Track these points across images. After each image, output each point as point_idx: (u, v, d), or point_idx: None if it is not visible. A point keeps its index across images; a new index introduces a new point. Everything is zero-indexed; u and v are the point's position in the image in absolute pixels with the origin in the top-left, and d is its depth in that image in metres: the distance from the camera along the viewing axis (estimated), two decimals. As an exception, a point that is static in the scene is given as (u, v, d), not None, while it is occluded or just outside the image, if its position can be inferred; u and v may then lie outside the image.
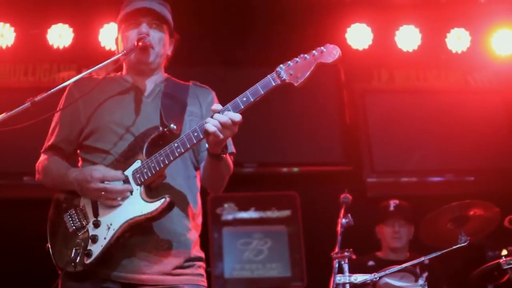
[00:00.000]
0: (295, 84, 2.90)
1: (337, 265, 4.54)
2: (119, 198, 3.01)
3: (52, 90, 3.06)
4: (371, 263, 5.52)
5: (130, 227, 2.97)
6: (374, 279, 4.33)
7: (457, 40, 7.18)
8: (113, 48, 6.64)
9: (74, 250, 3.03)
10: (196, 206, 3.26)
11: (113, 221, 3.00)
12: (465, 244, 4.46)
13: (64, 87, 3.16)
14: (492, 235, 4.95)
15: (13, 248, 6.12)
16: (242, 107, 2.92)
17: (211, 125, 2.87)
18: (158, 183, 3.05)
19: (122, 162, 3.08)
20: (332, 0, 6.97)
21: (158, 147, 3.03)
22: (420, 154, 7.00)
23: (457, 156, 7.09)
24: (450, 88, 7.41)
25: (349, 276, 4.39)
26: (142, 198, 2.99)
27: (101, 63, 3.21)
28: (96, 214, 3.06)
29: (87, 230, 3.05)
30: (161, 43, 3.33)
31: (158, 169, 2.98)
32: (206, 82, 3.55)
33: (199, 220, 3.30)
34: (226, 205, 6.75)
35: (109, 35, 6.60)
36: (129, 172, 3.04)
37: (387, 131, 7.15)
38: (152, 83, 3.38)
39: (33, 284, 6.04)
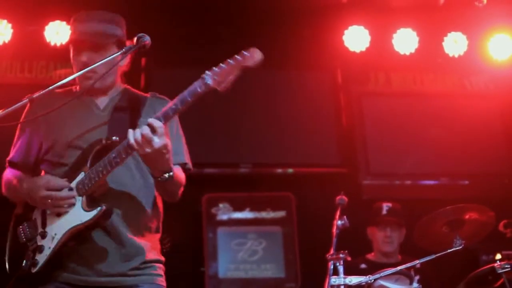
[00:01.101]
0: (218, 89, 2.98)
1: (332, 267, 4.54)
2: (65, 205, 3.09)
3: (50, 88, 3.08)
4: (363, 266, 5.52)
5: (72, 236, 3.07)
6: (369, 281, 4.33)
7: (454, 44, 7.18)
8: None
9: (24, 262, 3.15)
10: (152, 212, 3.33)
11: (57, 231, 3.10)
12: (460, 247, 4.47)
13: (60, 85, 3.16)
14: (486, 239, 4.95)
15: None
16: (171, 114, 3.00)
17: (131, 135, 2.94)
18: (100, 192, 3.13)
19: (69, 174, 3.17)
20: (329, 2, 6.96)
21: (102, 159, 3.09)
22: (416, 157, 7.01)
23: (452, 160, 7.10)
24: (447, 92, 7.42)
25: (344, 278, 4.39)
26: (83, 208, 3.08)
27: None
28: (43, 225, 3.16)
29: (36, 241, 3.15)
30: (103, 65, 3.23)
31: (97, 179, 3.06)
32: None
33: (157, 225, 3.37)
34: (221, 205, 6.74)
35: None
36: (74, 183, 3.13)
37: (383, 134, 7.15)
38: (107, 98, 3.42)
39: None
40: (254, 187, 6.92)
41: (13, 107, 2.97)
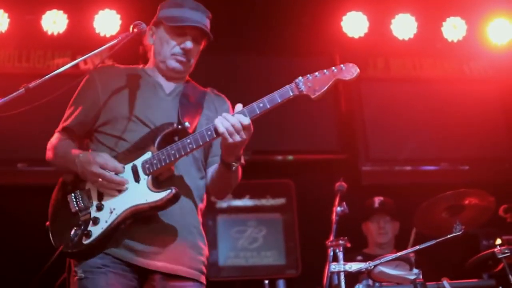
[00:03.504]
0: (312, 97, 3.04)
1: (331, 253, 4.54)
2: (115, 189, 3.09)
3: (47, 77, 3.07)
4: (359, 258, 5.51)
5: (132, 214, 3.07)
6: (369, 268, 4.33)
7: (453, 28, 7.15)
8: (108, 34, 6.67)
9: (73, 230, 3.12)
10: (202, 205, 3.39)
11: (116, 206, 3.09)
12: (460, 233, 4.46)
13: (57, 74, 3.14)
14: (486, 224, 4.95)
15: (7, 235, 6.10)
16: (258, 113, 3.07)
17: (221, 124, 2.98)
18: (165, 176, 3.15)
19: (133, 152, 3.17)
20: (328, -12, 6.94)
21: (169, 143, 3.12)
22: (415, 142, 7.00)
23: (452, 145, 7.09)
24: (446, 77, 7.40)
25: (344, 265, 4.39)
26: (149, 188, 3.08)
27: (95, 49, 3.22)
28: (100, 198, 3.15)
29: (89, 212, 3.13)
30: (196, 56, 3.46)
31: (168, 162, 3.08)
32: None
33: (200, 225, 3.37)
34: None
35: (104, 22, 6.57)
36: (138, 161, 3.13)
37: (382, 120, 7.14)
38: (173, 84, 3.46)
39: (27, 270, 6.04)
40: (254, 174, 6.88)
41: (9, 96, 2.97)
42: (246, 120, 3.00)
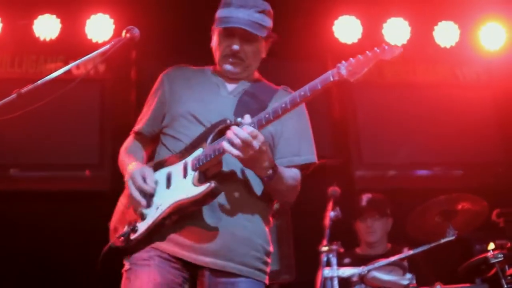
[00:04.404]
0: (351, 80, 2.89)
1: (325, 259, 4.54)
2: (134, 200, 3.15)
3: (39, 82, 3.05)
4: (346, 260, 5.46)
5: (176, 209, 3.06)
6: (362, 273, 4.33)
7: (446, 33, 7.17)
8: (100, 40, 6.66)
9: (126, 226, 3.18)
10: (261, 201, 3.24)
11: (162, 202, 3.11)
12: (453, 237, 4.47)
13: (50, 79, 3.13)
14: (479, 228, 4.96)
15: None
16: (298, 101, 2.98)
17: (226, 142, 2.94)
18: (213, 171, 3.09)
19: (189, 150, 3.17)
20: (320, -9, 6.95)
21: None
22: (409, 147, 7.00)
23: (445, 150, 7.09)
24: (439, 82, 7.40)
25: (337, 270, 4.39)
26: (193, 183, 3.06)
27: (88, 54, 3.22)
28: (151, 195, 3.17)
29: (140, 209, 3.16)
30: (252, 55, 3.37)
31: (213, 156, 3.03)
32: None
33: (263, 217, 3.25)
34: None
35: (96, 27, 6.56)
36: (189, 158, 3.13)
37: (375, 125, 7.14)
38: (238, 83, 3.41)
39: (20, 275, 6.04)
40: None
41: (1, 102, 2.95)
42: (255, 132, 2.91)
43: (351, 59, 2.90)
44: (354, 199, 5.95)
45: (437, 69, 7.48)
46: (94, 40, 6.55)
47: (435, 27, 7.15)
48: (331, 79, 2.90)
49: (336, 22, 7.01)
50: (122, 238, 3.14)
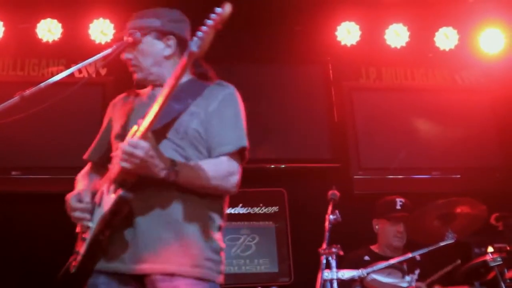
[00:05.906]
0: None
1: (324, 261, 4.55)
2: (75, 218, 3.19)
3: (41, 85, 3.08)
4: (366, 258, 5.46)
5: (103, 224, 3.05)
6: (362, 276, 4.35)
7: (445, 38, 7.21)
8: (103, 42, 6.68)
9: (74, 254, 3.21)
10: (193, 195, 3.14)
11: (94, 221, 3.11)
12: (452, 241, 4.49)
13: (52, 82, 3.16)
14: (478, 232, 4.98)
15: (0, 242, 6.10)
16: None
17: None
18: (131, 180, 3.01)
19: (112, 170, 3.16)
20: (321, -2, 6.98)
21: None
22: (407, 151, 7.02)
23: (444, 154, 7.11)
24: (438, 86, 7.43)
25: (337, 272, 4.41)
26: (111, 195, 3.04)
27: (90, 58, 3.26)
28: (90, 219, 3.17)
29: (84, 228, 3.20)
30: (141, 56, 3.38)
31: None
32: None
33: (193, 218, 3.14)
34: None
35: (98, 30, 6.60)
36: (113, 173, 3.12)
37: (374, 129, 7.16)
38: (156, 89, 3.42)
39: (20, 277, 6.04)
40: (247, 182, 6.89)
41: (4, 104, 2.97)
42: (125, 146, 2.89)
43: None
44: (357, 208, 5.94)
45: (436, 74, 7.50)
46: (96, 43, 6.58)
47: (435, 33, 7.18)
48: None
49: (338, 27, 7.06)
50: (70, 267, 3.16)
